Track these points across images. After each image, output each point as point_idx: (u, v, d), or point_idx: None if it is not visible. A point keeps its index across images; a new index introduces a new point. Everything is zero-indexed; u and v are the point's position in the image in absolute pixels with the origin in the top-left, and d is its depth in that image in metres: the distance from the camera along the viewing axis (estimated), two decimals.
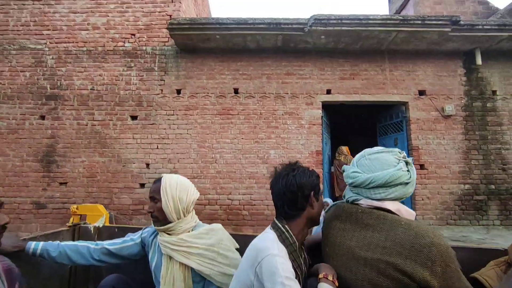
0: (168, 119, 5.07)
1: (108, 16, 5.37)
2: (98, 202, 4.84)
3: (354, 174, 1.06)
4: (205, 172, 4.94)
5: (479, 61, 5.04)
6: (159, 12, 5.35)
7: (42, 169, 4.98)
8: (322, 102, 5.12)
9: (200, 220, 1.46)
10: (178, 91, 5.14)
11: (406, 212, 1.00)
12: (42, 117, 5.11)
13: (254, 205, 4.86)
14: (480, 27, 4.62)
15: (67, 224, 1.95)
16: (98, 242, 1.52)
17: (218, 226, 1.42)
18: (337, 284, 0.94)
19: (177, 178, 1.40)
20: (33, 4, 5.43)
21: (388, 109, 5.51)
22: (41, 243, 1.41)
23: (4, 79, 5.22)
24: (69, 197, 4.90)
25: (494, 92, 5.12)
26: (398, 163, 1.02)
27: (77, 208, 3.51)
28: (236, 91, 5.14)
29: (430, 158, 4.94)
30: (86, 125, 5.07)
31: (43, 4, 5.43)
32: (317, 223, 1.16)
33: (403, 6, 6.99)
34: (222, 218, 4.81)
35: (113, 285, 1.41)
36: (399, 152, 1.07)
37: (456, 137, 5.00)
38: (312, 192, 1.08)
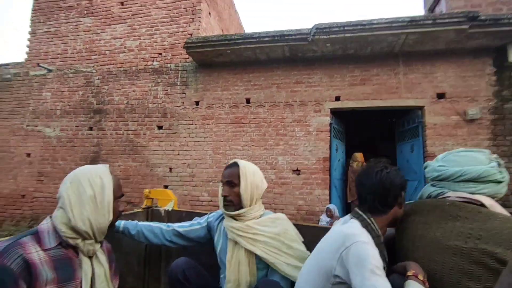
0: (188, 128, 5.65)
1: (140, 39, 6.18)
2: (131, 200, 5.66)
3: (441, 168, 1.08)
4: (219, 177, 5.39)
5: (511, 57, 4.53)
6: (181, 32, 5.97)
7: None
8: (331, 109, 5.15)
9: None
10: (197, 103, 5.69)
11: (500, 209, 0.98)
12: (90, 128, 6.15)
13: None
14: (506, 21, 4.18)
15: (141, 206, 2.14)
16: (169, 224, 1.62)
17: (283, 216, 1.42)
18: (427, 285, 0.89)
19: (253, 166, 1.45)
20: (85, 34, 6.53)
21: (406, 114, 5.27)
22: (123, 222, 1.55)
23: (64, 98, 6.41)
24: None
25: None
26: (490, 162, 1.04)
27: (149, 192, 4.00)
28: (248, 101, 5.48)
29: None
30: (122, 134, 5.95)
31: (92, 33, 6.49)
32: (397, 224, 1.15)
33: (436, 2, 6.50)
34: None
35: (184, 268, 1.47)
36: (490, 153, 1.09)
37: (481, 143, 4.58)
38: (402, 193, 1.08)
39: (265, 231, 1.32)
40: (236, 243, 1.34)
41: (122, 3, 6.46)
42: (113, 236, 1.46)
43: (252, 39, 4.96)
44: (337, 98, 5.14)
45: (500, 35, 4.38)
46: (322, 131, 5.11)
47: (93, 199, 1.04)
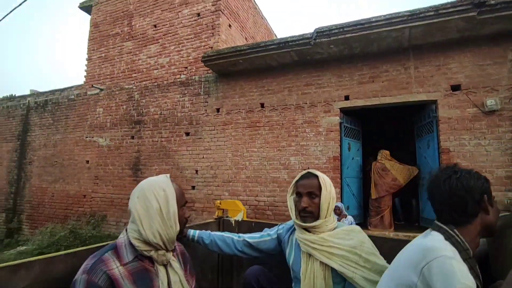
0: (210, 134, 6.25)
1: (170, 56, 7.00)
2: None
3: None
4: (237, 177, 5.86)
5: None
6: (203, 46, 6.61)
7: (132, 174, 6.99)
8: (340, 108, 5.25)
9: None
10: (218, 110, 6.26)
11: None
12: (132, 137, 7.15)
13: (277, 206, 5.46)
14: None
15: (213, 216, 2.27)
16: (240, 234, 1.65)
17: (357, 227, 1.38)
18: None
19: (327, 177, 1.43)
20: (127, 56, 7.60)
21: (422, 109, 5.10)
22: (197, 231, 1.62)
23: (112, 112, 7.55)
24: None
25: None
26: None
27: (220, 203, 3.94)
28: (262, 105, 5.86)
29: (465, 162, 4.38)
30: (157, 141, 6.80)
31: (132, 55, 7.53)
32: (494, 233, 1.03)
33: None
34: (251, 216, 5.61)
35: (257, 276, 1.50)
36: None
37: (502, 136, 4.26)
38: (485, 196, 0.97)
39: (341, 244, 1.28)
40: (310, 255, 1.33)
41: (155, 26, 7.37)
42: (188, 244, 1.55)
43: (260, 48, 5.34)
44: (346, 98, 5.23)
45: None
46: (331, 131, 5.24)
47: (160, 212, 1.09)
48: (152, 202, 1.09)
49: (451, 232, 0.94)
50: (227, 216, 2.27)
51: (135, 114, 7.21)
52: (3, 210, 8.75)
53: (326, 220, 1.34)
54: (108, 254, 1.05)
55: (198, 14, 6.83)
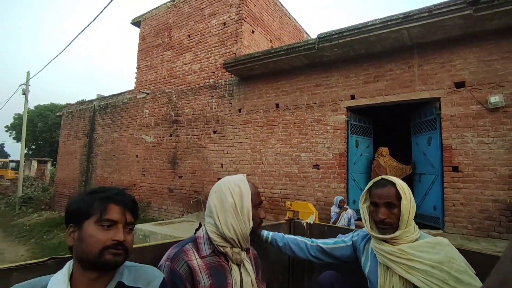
0: (233, 132, 7.00)
1: (201, 62, 7.90)
2: (196, 189, 7.42)
3: None
4: (255, 171, 6.52)
5: None
6: (228, 52, 7.35)
7: (171, 167, 8.11)
8: (347, 107, 5.54)
9: None
10: (239, 110, 6.97)
11: None
12: (171, 135, 8.26)
13: (289, 198, 5.99)
14: None
15: (284, 218, 2.30)
16: (313, 239, 1.62)
17: (444, 240, 1.23)
18: None
19: (404, 183, 1.33)
20: (167, 63, 8.74)
21: (422, 106, 5.13)
22: (271, 233, 1.62)
23: (155, 113, 8.77)
24: (183, 186, 7.76)
25: None
26: None
27: (291, 205, 3.76)
28: (277, 105, 6.40)
29: (467, 159, 4.39)
30: (190, 138, 7.79)
31: (171, 62, 8.64)
32: None
33: None
34: (266, 207, 6.23)
35: (332, 281, 1.48)
36: None
37: (507, 133, 4.18)
38: None
39: (424, 257, 1.17)
40: (388, 268, 1.25)
41: (189, 36, 8.34)
42: (260, 245, 1.57)
43: (271, 54, 5.88)
44: (352, 97, 5.49)
45: None
46: (338, 129, 5.57)
47: (234, 207, 1.12)
48: (228, 197, 1.14)
49: None
50: (298, 219, 2.26)
51: (173, 114, 8.31)
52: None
53: (406, 231, 1.24)
54: (188, 245, 1.12)
55: (224, 24, 7.59)
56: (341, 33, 4.97)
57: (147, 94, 9.08)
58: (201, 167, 7.48)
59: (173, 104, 8.38)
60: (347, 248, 1.52)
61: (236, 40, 7.28)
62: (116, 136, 9.87)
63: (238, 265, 1.16)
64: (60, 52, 10.41)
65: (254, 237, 1.47)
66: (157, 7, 9.44)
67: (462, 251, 1.23)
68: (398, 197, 1.26)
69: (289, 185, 6.03)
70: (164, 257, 1.11)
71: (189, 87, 8.06)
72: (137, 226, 5.11)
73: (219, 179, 6.98)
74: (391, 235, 1.25)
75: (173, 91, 8.45)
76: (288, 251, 1.61)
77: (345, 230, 1.69)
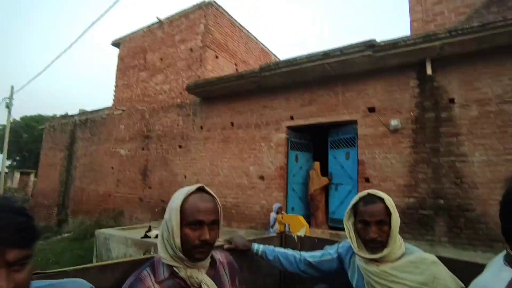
0: (196, 147, 7.90)
1: (170, 83, 8.87)
2: (163, 199, 8.25)
3: None
4: (213, 182, 7.41)
5: (429, 71, 5.04)
6: (193, 75, 8.34)
7: (142, 178, 8.95)
8: (287, 126, 6.51)
9: None
10: (201, 127, 7.90)
11: None
12: (143, 149, 9.13)
13: (239, 206, 6.88)
14: (402, 43, 4.85)
15: (276, 231, 2.33)
16: (302, 252, 1.63)
17: (429, 257, 1.19)
18: None
19: (387, 195, 1.30)
20: (141, 83, 9.68)
21: (339, 126, 6.09)
22: (261, 246, 1.66)
23: (130, 128, 9.65)
24: (152, 196, 8.58)
25: (451, 101, 4.90)
26: None
27: (282, 218, 3.75)
28: (232, 124, 7.36)
29: (375, 172, 5.37)
30: (160, 152, 8.67)
31: (145, 82, 9.58)
32: None
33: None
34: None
35: None
36: None
37: (403, 150, 5.18)
38: None
39: (407, 279, 1.16)
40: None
41: (161, 59, 9.33)
42: (252, 258, 1.59)
43: (224, 79, 6.87)
44: (292, 118, 6.48)
45: (415, 53, 5.00)
46: (280, 145, 6.53)
47: (165, 222, 1.08)
48: (166, 212, 1.10)
49: None
50: (289, 232, 2.28)
51: (145, 130, 9.20)
52: (56, 205, 11.45)
53: (394, 247, 1.24)
54: (145, 271, 1.06)
55: (191, 49, 8.60)
56: (277, 64, 5.99)
57: (123, 110, 9.98)
58: (167, 178, 8.34)
59: (145, 120, 9.29)
60: (334, 260, 1.52)
61: (200, 65, 8.28)
62: (94, 149, 10.69)
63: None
64: (44, 70, 11.29)
65: (245, 251, 1.59)
66: (135, 31, 10.45)
67: (452, 262, 1.25)
68: (388, 213, 1.24)
69: (240, 194, 6.93)
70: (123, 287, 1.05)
71: (160, 106, 8.99)
72: (100, 230, 5.93)
73: None
74: (381, 254, 1.22)
75: (146, 108, 9.36)
76: (278, 264, 1.62)
77: (332, 242, 1.69)
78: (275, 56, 11.96)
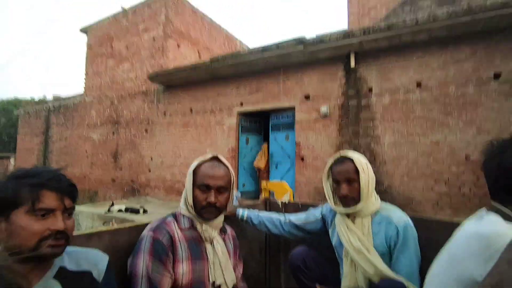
0: (160, 131, 8.54)
1: (136, 71, 9.33)
2: (132, 179, 8.96)
3: None
4: (175, 163, 8.12)
5: (352, 63, 5.74)
6: (156, 64, 8.82)
7: (113, 161, 9.59)
8: (238, 112, 7.20)
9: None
10: (164, 113, 8.50)
11: None
12: (113, 133, 9.71)
13: None
14: (327, 38, 5.51)
15: (260, 197, 2.25)
16: (286, 215, 1.72)
17: (402, 218, 1.36)
18: None
19: (360, 154, 1.43)
20: (110, 71, 10.09)
21: (282, 110, 6.83)
22: (246, 211, 1.71)
23: (101, 114, 10.16)
24: (123, 176, 9.26)
25: (370, 90, 5.65)
26: None
27: (266, 185, 3.79)
28: (191, 110, 7.99)
29: (308, 152, 6.18)
30: (128, 137, 9.27)
31: (113, 70, 10.00)
32: None
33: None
34: (181, 190, 7.85)
35: (304, 256, 1.59)
36: None
37: (331, 133, 5.97)
38: None
39: (380, 232, 1.34)
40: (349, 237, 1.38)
41: (127, 47, 9.72)
42: (237, 224, 1.64)
43: (180, 69, 7.42)
44: (241, 104, 7.16)
45: (339, 47, 5.67)
46: (231, 129, 7.24)
47: (185, 184, 1.26)
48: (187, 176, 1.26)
49: (510, 213, 0.81)
50: (273, 198, 2.33)
51: (115, 116, 9.74)
52: None
53: (368, 203, 1.36)
54: (170, 218, 1.21)
55: (154, 39, 9.03)
56: (225, 57, 6.58)
57: (94, 98, 10.43)
58: (136, 160, 9.01)
59: (114, 107, 9.80)
60: (318, 222, 1.63)
61: (162, 54, 8.76)
62: (69, 134, 11.19)
63: (210, 244, 1.22)
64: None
65: (230, 216, 1.60)
66: (101, 19, 10.70)
67: (426, 221, 1.43)
68: (357, 171, 1.35)
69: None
70: (147, 228, 1.16)
71: (127, 93, 9.49)
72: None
73: (149, 169, 8.58)
74: (354, 209, 1.36)
75: (114, 95, 9.85)
76: (264, 228, 1.69)
77: (315, 206, 1.79)
78: (241, 42, 12.41)
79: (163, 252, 1.09)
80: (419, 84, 5.24)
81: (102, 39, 10.53)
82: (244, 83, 7.16)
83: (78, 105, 11.01)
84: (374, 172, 1.45)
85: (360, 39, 5.30)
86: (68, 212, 0.83)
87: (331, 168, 1.47)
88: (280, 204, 2.17)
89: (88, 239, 1.13)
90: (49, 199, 0.78)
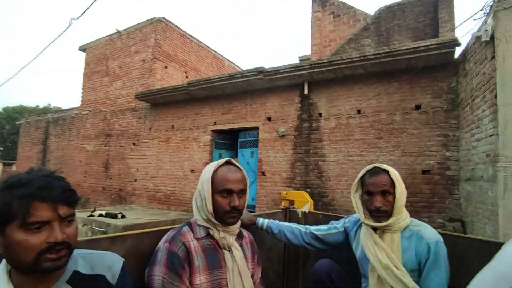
0: (146, 145, 9.54)
1: (127, 89, 10.41)
2: (120, 187, 9.93)
3: None
4: (158, 174, 9.09)
5: (306, 91, 6.71)
6: (145, 83, 9.89)
7: (104, 171, 10.59)
8: (212, 130, 8.18)
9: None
10: (150, 129, 9.52)
11: None
12: (105, 145, 10.74)
13: (176, 193, 8.59)
14: (282, 70, 6.49)
15: (280, 206, 2.30)
16: (307, 226, 1.71)
17: (434, 235, 1.32)
18: None
19: (394, 169, 1.40)
20: (104, 87, 11.19)
21: (248, 129, 7.80)
22: (266, 220, 1.72)
23: (95, 127, 11.22)
24: (112, 185, 10.24)
25: (320, 114, 6.60)
26: None
27: (286, 194, 3.75)
28: (173, 126, 8.99)
29: (268, 167, 7.10)
30: (118, 149, 10.29)
31: (107, 87, 11.10)
32: None
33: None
34: (163, 199, 8.81)
35: (328, 270, 1.58)
36: None
37: (287, 151, 6.90)
38: None
39: (409, 248, 1.32)
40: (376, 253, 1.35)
41: (120, 67, 10.83)
42: (256, 232, 1.64)
43: (163, 91, 8.46)
44: (215, 123, 8.14)
45: (294, 77, 6.64)
46: (206, 145, 8.21)
47: (198, 191, 1.26)
48: (199, 184, 1.27)
49: None
50: (293, 207, 2.33)
51: (107, 129, 10.79)
52: None
53: (399, 217, 1.35)
54: (185, 228, 1.22)
55: (143, 60, 10.12)
56: (199, 82, 7.60)
57: (89, 111, 11.52)
58: (124, 170, 9.99)
59: (107, 121, 10.85)
60: (340, 234, 1.61)
61: (150, 75, 9.83)
62: (65, 145, 12.25)
63: (229, 251, 1.23)
64: (13, 76, 12.63)
65: (250, 225, 1.65)
66: (99, 39, 11.87)
67: (450, 237, 1.41)
68: (393, 184, 1.35)
69: (177, 184, 8.64)
70: (162, 240, 1.18)
71: (119, 108, 10.55)
72: None
73: (135, 179, 9.57)
74: (386, 222, 1.34)
75: (107, 110, 10.92)
76: (283, 238, 1.68)
77: (339, 218, 1.78)
78: (230, 61, 13.50)
79: (179, 264, 1.10)
80: (359, 111, 6.18)
81: (98, 57, 11.68)
82: (217, 105, 8.16)
83: (75, 117, 12.11)
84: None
85: (308, 71, 6.28)
86: (68, 219, 0.79)
87: (361, 179, 1.46)
88: (300, 213, 2.18)
89: (112, 243, 1.16)
90: (41, 211, 0.73)
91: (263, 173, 7.19)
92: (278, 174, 6.97)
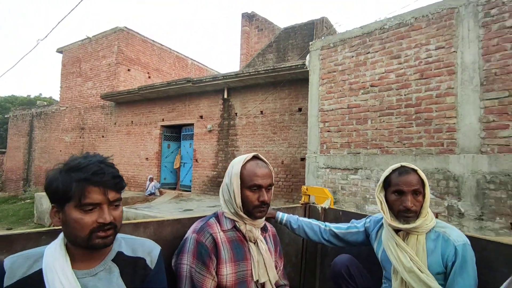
0: (112, 137, 11.62)
1: (97, 89, 12.40)
2: None
3: None
4: (122, 162, 11.20)
5: (225, 95, 8.70)
6: (110, 85, 11.87)
7: None
8: (161, 125, 10.22)
9: None
10: (115, 123, 11.57)
11: None
12: (80, 137, 12.83)
13: (134, 177, 10.72)
14: (206, 79, 8.47)
15: (300, 202, 2.36)
16: (327, 223, 1.75)
17: (461, 238, 1.30)
18: None
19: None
20: (79, 87, 13.18)
21: (185, 126, 9.84)
22: (286, 215, 1.77)
23: (71, 121, 13.27)
24: None
25: (236, 114, 8.61)
26: None
27: (306, 189, 3.92)
28: (132, 122, 11.04)
29: (200, 156, 9.18)
30: (90, 140, 12.37)
31: (81, 87, 13.08)
32: None
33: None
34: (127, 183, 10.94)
35: (347, 264, 1.60)
36: None
37: (213, 143, 8.96)
38: None
39: (435, 250, 1.31)
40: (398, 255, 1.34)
41: (91, 69, 12.78)
42: (275, 226, 1.64)
43: (120, 93, 10.45)
44: (163, 120, 10.18)
45: (217, 84, 8.61)
46: (156, 138, 10.27)
47: (225, 185, 1.31)
48: (226, 178, 1.31)
49: None
50: (313, 203, 2.34)
51: (81, 123, 12.84)
52: (22, 179, 15.28)
53: (426, 218, 1.34)
54: (212, 219, 1.28)
55: (109, 64, 12.06)
56: (146, 87, 9.60)
57: (66, 107, 13.54)
58: None
59: (81, 116, 12.89)
60: (360, 233, 1.64)
61: (114, 77, 11.80)
62: (47, 136, 14.34)
63: (254, 243, 1.29)
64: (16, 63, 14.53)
65: (270, 219, 1.72)
66: (73, 43, 13.75)
67: (477, 239, 1.36)
68: (423, 184, 1.35)
69: (135, 170, 10.77)
70: (190, 230, 1.25)
71: (90, 106, 12.57)
72: (37, 193, 9.75)
73: None
74: (415, 224, 1.31)
75: (81, 107, 12.94)
76: (302, 233, 1.73)
77: (359, 216, 1.80)
78: (192, 60, 15.39)
79: (206, 254, 1.16)
80: (261, 112, 8.20)
81: (73, 60, 13.60)
82: (164, 105, 10.18)
83: (55, 113, 14.15)
84: None
85: (223, 81, 8.26)
86: (115, 203, 0.90)
87: (387, 179, 1.42)
88: (320, 209, 2.20)
89: (135, 228, 1.26)
90: (94, 194, 0.85)
91: (196, 160, 9.28)
92: (207, 161, 9.06)
